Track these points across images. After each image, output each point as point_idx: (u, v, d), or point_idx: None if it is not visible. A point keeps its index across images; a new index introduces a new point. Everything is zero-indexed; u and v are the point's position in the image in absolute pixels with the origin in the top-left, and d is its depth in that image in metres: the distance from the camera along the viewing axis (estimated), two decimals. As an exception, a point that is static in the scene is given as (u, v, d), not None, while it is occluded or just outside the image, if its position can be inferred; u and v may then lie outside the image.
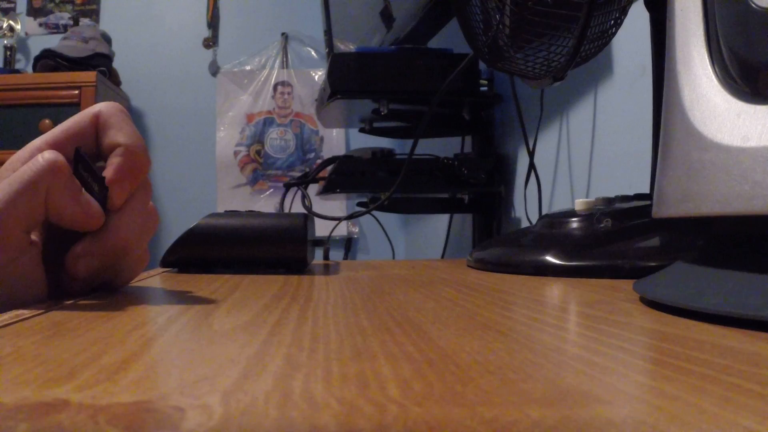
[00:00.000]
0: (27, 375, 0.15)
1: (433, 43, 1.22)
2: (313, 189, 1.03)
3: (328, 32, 1.39)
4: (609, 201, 0.51)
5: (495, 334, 0.22)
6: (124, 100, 2.51)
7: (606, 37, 0.50)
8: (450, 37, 1.26)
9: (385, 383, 0.15)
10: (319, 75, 2.61)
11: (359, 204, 1.26)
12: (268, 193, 2.58)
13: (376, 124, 1.15)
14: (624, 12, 0.49)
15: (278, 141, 2.61)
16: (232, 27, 2.66)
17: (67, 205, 0.28)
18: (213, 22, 2.65)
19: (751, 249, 0.26)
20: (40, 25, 2.61)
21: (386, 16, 1.23)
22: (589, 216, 0.49)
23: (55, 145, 0.30)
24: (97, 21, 2.60)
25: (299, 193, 0.91)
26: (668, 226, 0.45)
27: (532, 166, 0.97)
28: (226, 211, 0.51)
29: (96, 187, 0.29)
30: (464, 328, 0.23)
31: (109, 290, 0.34)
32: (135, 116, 2.60)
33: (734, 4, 0.25)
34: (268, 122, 2.61)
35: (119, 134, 0.31)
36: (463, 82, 1.01)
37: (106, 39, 2.34)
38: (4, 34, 2.51)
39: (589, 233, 0.47)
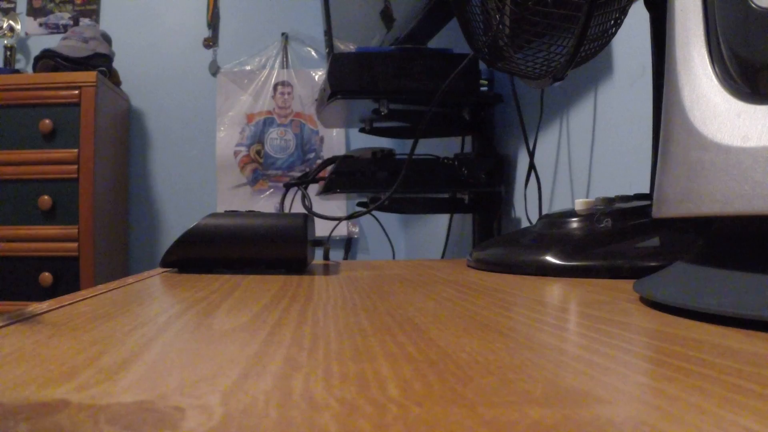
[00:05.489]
0: (27, 375, 0.15)
1: (433, 43, 1.22)
2: (313, 189, 1.03)
3: (328, 32, 1.39)
4: (609, 201, 0.51)
5: (495, 334, 0.22)
6: (124, 100, 2.51)
7: (606, 37, 0.50)
8: (450, 37, 1.26)
9: (385, 383, 0.15)
10: (319, 75, 2.61)
11: (359, 204, 1.26)
12: (268, 193, 2.58)
13: (376, 124, 1.15)
14: (624, 12, 0.49)
15: (278, 141, 2.61)
16: (232, 27, 2.66)
17: None
18: (213, 22, 2.65)
19: (751, 249, 0.26)
20: (40, 25, 2.61)
21: (386, 16, 1.23)
22: (589, 216, 0.49)
23: None
24: (97, 21, 2.59)
25: (299, 193, 0.91)
26: (668, 226, 0.45)
27: (532, 166, 0.97)
28: (226, 211, 0.51)
29: None
30: (464, 328, 0.23)
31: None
32: (135, 116, 2.60)
33: (734, 4, 0.25)
34: (268, 122, 2.61)
35: None
36: (463, 82, 1.01)
37: (106, 39, 2.34)
38: (4, 34, 2.51)
39: (589, 233, 0.47)
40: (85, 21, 2.56)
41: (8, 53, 2.49)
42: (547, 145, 1.01)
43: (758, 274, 0.24)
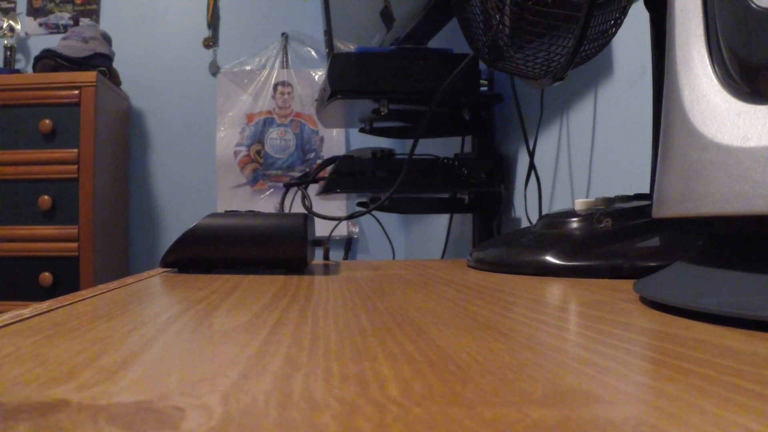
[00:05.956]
0: (27, 375, 0.15)
1: (433, 43, 1.22)
2: (313, 189, 1.03)
3: (328, 32, 1.39)
4: (609, 201, 0.51)
5: (495, 334, 0.22)
6: (124, 100, 2.51)
7: (606, 37, 0.50)
8: (450, 37, 1.26)
9: (385, 383, 0.15)
10: (319, 75, 2.61)
11: (359, 204, 1.26)
12: (268, 193, 2.58)
13: (376, 124, 1.15)
14: (624, 12, 0.49)
15: (278, 141, 2.61)
16: (232, 27, 2.66)
17: None
18: (213, 22, 2.65)
19: (751, 249, 0.26)
20: (40, 25, 2.61)
21: (386, 16, 1.23)
22: (589, 216, 0.49)
23: None
24: (97, 21, 2.59)
25: (299, 193, 0.91)
26: (668, 226, 0.45)
27: (532, 166, 0.97)
28: (226, 211, 0.51)
29: None
30: (464, 328, 0.23)
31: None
32: (135, 116, 2.60)
33: (734, 4, 0.25)
34: (268, 122, 2.61)
35: None
36: (463, 82, 1.01)
37: (106, 39, 2.34)
38: (4, 34, 2.51)
39: (589, 233, 0.47)
40: (85, 21, 2.56)
41: (8, 53, 2.49)
42: (547, 145, 1.01)
43: (758, 274, 0.24)
